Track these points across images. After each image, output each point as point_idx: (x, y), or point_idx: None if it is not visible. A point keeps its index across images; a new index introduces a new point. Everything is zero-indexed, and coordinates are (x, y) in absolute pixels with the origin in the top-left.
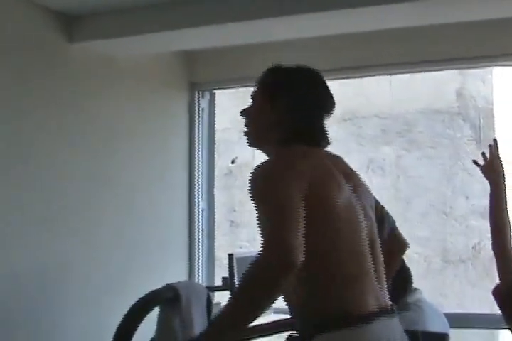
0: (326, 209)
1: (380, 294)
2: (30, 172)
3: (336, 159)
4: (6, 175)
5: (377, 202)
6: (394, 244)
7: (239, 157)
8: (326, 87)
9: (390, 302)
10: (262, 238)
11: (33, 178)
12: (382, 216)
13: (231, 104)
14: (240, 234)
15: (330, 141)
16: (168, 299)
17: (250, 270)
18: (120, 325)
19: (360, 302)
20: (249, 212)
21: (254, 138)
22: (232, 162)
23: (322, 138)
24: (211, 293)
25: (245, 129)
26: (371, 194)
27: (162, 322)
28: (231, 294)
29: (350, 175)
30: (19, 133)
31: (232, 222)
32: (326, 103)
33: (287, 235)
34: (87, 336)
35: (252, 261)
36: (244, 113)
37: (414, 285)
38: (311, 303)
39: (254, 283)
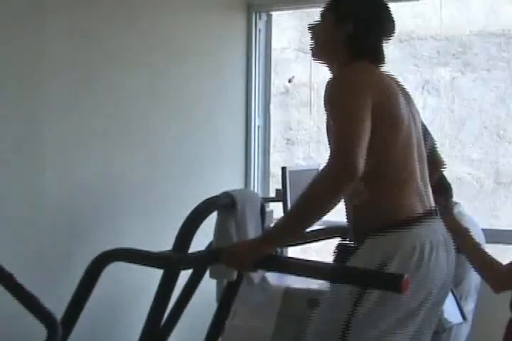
0: (390, 121)
1: (426, 199)
2: (92, 90)
3: (393, 77)
4: (70, 91)
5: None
6: (431, 163)
7: (296, 76)
8: (389, 12)
9: (434, 205)
10: (331, 147)
11: (95, 95)
12: (425, 135)
13: (289, 24)
14: (296, 151)
15: (385, 61)
16: (225, 205)
17: (319, 174)
18: (182, 226)
19: (407, 207)
20: (306, 131)
21: (319, 53)
22: (289, 81)
23: (382, 58)
24: (265, 203)
25: (311, 43)
26: (419, 114)
27: (219, 226)
28: (283, 205)
29: (405, 92)
30: (83, 55)
31: (288, 139)
32: (387, 27)
33: (353, 144)
34: (147, 243)
35: (323, 167)
36: (311, 28)
37: (468, 205)
38: (365, 210)
39: (321, 185)
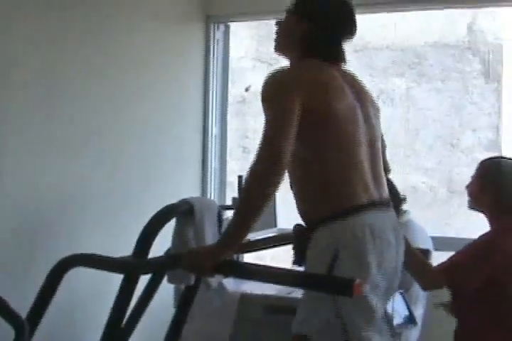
0: (324, 114)
1: (374, 191)
2: (53, 101)
3: (349, 74)
4: (32, 101)
5: None
6: None
7: (253, 85)
8: (351, 13)
9: (386, 198)
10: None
11: (55, 106)
12: None
13: (246, 33)
14: (251, 159)
15: (346, 59)
16: (183, 212)
17: (249, 172)
18: (142, 232)
19: (352, 198)
20: None
21: (280, 47)
22: (246, 90)
23: (338, 54)
24: (222, 211)
25: (274, 38)
26: (378, 111)
27: (177, 233)
28: None
29: (363, 92)
30: (44, 64)
31: (244, 148)
32: (346, 27)
33: (278, 137)
34: (105, 248)
35: (251, 164)
36: (277, 24)
37: (422, 213)
38: (313, 202)
39: (252, 180)
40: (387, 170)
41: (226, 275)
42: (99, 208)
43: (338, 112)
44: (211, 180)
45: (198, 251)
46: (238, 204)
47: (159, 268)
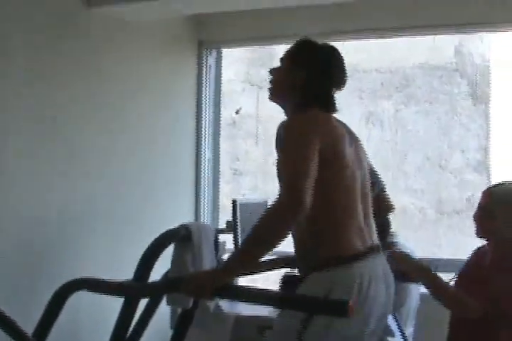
0: (336, 164)
1: (368, 237)
2: (57, 128)
3: (342, 123)
4: (34, 128)
5: (370, 166)
6: (380, 205)
7: (243, 108)
8: (342, 63)
9: (376, 243)
10: (281, 184)
11: (60, 132)
12: (373, 178)
13: (237, 56)
14: (243, 182)
15: (337, 109)
16: (182, 237)
17: (270, 208)
18: (142, 256)
19: (348, 245)
20: (252, 161)
21: (276, 95)
22: (237, 112)
23: (333, 105)
24: (218, 235)
25: (269, 86)
26: (367, 157)
27: (176, 257)
28: (234, 237)
29: (352, 135)
30: (42, 93)
31: (235, 170)
32: (338, 77)
33: (301, 182)
34: (107, 267)
35: (272, 202)
36: (271, 72)
37: (411, 234)
38: (310, 248)
39: (271, 219)
40: (390, 208)
41: (224, 298)
42: (101, 229)
43: (343, 159)
44: (204, 203)
45: (199, 274)
46: (251, 236)
47: (160, 292)
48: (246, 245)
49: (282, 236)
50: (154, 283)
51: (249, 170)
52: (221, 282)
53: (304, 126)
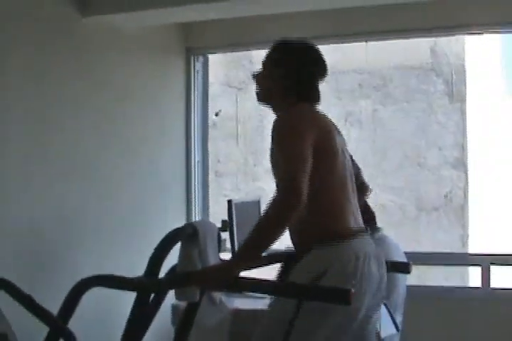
0: (329, 154)
1: (358, 218)
2: (49, 133)
3: (324, 114)
4: (30, 137)
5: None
6: (359, 187)
7: (222, 110)
8: (319, 54)
9: (363, 225)
10: (277, 178)
11: (51, 140)
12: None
13: (215, 59)
14: (224, 183)
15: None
16: (188, 234)
17: (270, 203)
18: (153, 253)
19: (343, 225)
20: (233, 163)
21: (262, 98)
22: (216, 115)
23: (317, 97)
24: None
25: (256, 90)
26: (345, 142)
27: (184, 253)
28: (230, 235)
29: (335, 127)
30: (37, 99)
31: (216, 172)
32: (318, 68)
33: (298, 177)
34: (100, 269)
35: (271, 198)
36: (254, 77)
37: (392, 231)
38: (310, 226)
39: (273, 214)
40: (368, 188)
41: (233, 291)
42: (91, 232)
43: (333, 148)
44: (195, 204)
45: (210, 267)
46: (256, 231)
47: (172, 286)
48: (253, 239)
49: (284, 229)
50: (165, 278)
51: (230, 172)
52: (232, 274)
53: (295, 123)
